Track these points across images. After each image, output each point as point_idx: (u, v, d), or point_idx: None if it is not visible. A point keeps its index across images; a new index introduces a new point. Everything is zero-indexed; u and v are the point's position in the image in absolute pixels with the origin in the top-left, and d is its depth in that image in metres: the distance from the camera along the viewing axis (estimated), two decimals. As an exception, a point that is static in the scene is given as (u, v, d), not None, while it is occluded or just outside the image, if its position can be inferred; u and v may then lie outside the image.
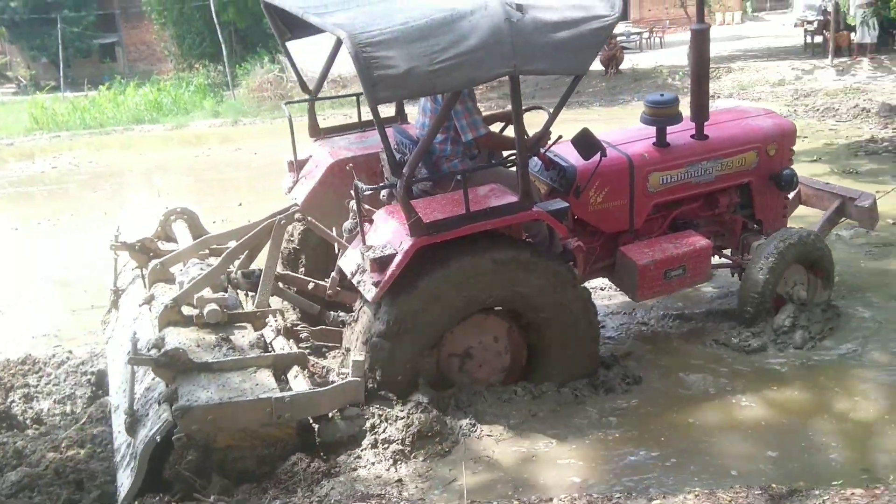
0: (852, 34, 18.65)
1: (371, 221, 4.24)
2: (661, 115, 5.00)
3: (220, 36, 21.53)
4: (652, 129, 5.11)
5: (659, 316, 5.66)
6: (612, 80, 19.45)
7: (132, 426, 3.69)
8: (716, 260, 5.41)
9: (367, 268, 3.98)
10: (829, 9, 18.61)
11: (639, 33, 30.15)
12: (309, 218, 4.80)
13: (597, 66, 22.53)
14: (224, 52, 21.79)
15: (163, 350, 3.85)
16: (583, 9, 3.96)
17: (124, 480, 3.64)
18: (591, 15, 3.94)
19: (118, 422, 3.97)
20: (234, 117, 18.50)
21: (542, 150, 4.59)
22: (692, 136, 5.21)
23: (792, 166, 5.48)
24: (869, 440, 4.00)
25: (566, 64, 4.01)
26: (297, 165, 5.27)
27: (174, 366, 3.81)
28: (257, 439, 3.73)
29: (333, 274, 4.86)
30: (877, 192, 5.94)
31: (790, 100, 14.65)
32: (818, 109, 13.34)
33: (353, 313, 4.34)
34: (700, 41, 5.14)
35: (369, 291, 3.96)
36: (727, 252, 5.63)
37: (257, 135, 16.16)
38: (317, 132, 5.42)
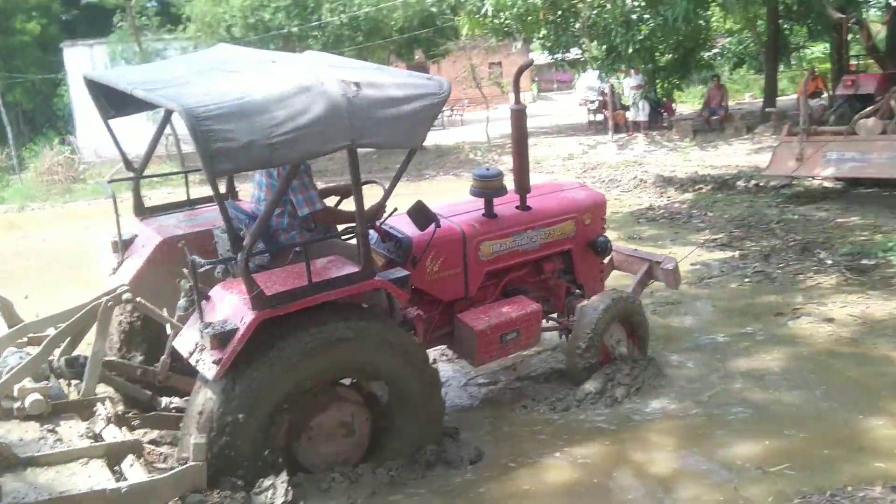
0: (628, 113, 20.71)
1: (208, 298, 4.08)
2: (488, 187, 5.26)
3: (4, 117, 20.11)
4: (480, 201, 5.38)
5: (494, 381, 5.82)
6: (417, 156, 20.12)
7: None
8: (544, 324, 5.70)
9: (206, 345, 3.82)
10: (607, 90, 20.59)
11: (440, 112, 31.36)
12: (139, 299, 4.52)
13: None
14: (10, 134, 20.34)
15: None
16: (415, 87, 4.16)
17: None
18: (422, 93, 4.13)
19: None
20: (21, 202, 17.20)
21: (378, 223, 4.68)
22: (517, 208, 5.52)
23: (605, 234, 5.97)
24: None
25: (401, 138, 4.15)
26: (122, 245, 5.04)
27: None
28: None
29: (164, 357, 4.57)
30: (676, 256, 6.49)
31: (579, 172, 15.87)
32: (604, 181, 14.57)
33: (191, 395, 4.09)
34: (519, 120, 5.47)
35: (209, 370, 3.79)
36: (554, 315, 5.95)
37: (47, 220, 15.12)
38: (142, 211, 5.24)
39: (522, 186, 5.46)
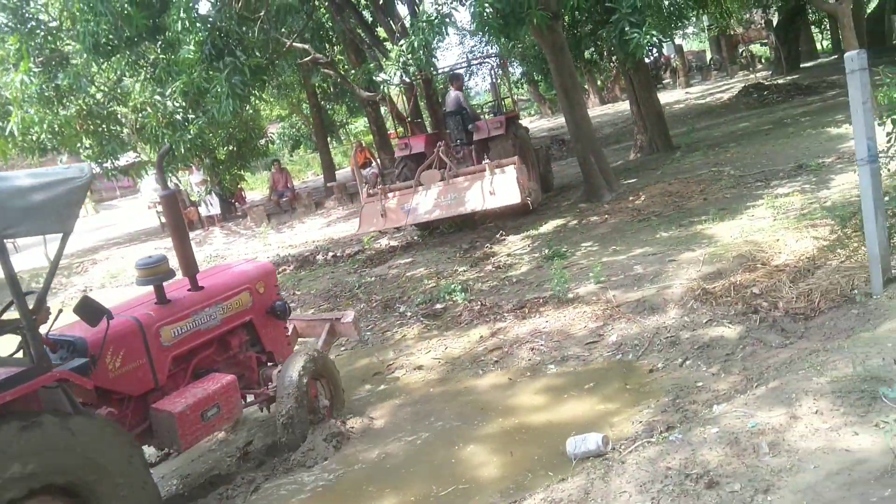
0: (200, 209, 20.52)
1: None
2: (155, 272, 5.22)
3: None
4: (149, 291, 5.31)
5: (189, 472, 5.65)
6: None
7: None
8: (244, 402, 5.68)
9: None
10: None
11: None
12: None
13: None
14: None
15: None
16: (55, 174, 4.18)
17: None
18: (64, 178, 4.15)
19: None
20: None
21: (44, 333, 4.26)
22: (189, 290, 5.53)
23: (281, 299, 6.16)
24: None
25: (51, 225, 4.08)
26: None
27: None
28: None
29: None
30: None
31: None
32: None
33: None
34: (171, 204, 5.60)
35: None
36: (252, 390, 5.90)
37: None
38: None
39: (189, 267, 5.50)
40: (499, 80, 16.32)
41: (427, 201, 11.84)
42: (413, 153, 13.19)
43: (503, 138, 12.82)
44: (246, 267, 6.23)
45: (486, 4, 9.23)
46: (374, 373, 7.15)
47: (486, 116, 14.17)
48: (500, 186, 11.35)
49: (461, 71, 15.37)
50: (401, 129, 17.12)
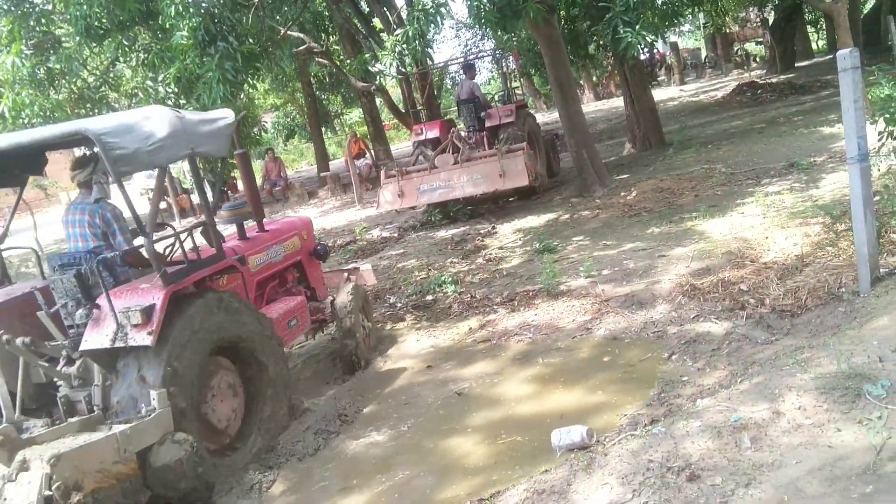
0: (192, 196, 20.46)
1: (97, 307, 4.80)
2: (238, 213, 6.52)
3: None
4: (231, 228, 6.62)
5: None
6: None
7: None
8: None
9: (132, 323, 4.61)
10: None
11: None
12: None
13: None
14: None
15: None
16: (215, 114, 5.66)
17: None
18: (221, 117, 5.64)
19: None
20: None
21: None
22: (258, 232, 6.73)
23: (321, 244, 7.45)
24: None
25: (218, 148, 5.56)
26: None
27: (9, 443, 4.10)
28: (113, 479, 4.12)
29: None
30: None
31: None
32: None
33: (122, 368, 4.78)
34: (245, 162, 6.81)
35: (144, 340, 4.59)
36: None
37: None
38: None
39: (259, 213, 6.69)
40: (508, 71, 17.14)
41: (441, 183, 12.60)
42: (428, 138, 13.96)
43: (513, 125, 13.53)
44: (293, 219, 7.64)
45: (484, -1, 9.21)
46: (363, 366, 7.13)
47: (496, 105, 14.80)
48: (510, 170, 12.03)
49: (473, 62, 16.03)
50: (395, 122, 17.30)
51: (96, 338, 4.75)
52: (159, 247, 5.39)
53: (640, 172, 13.64)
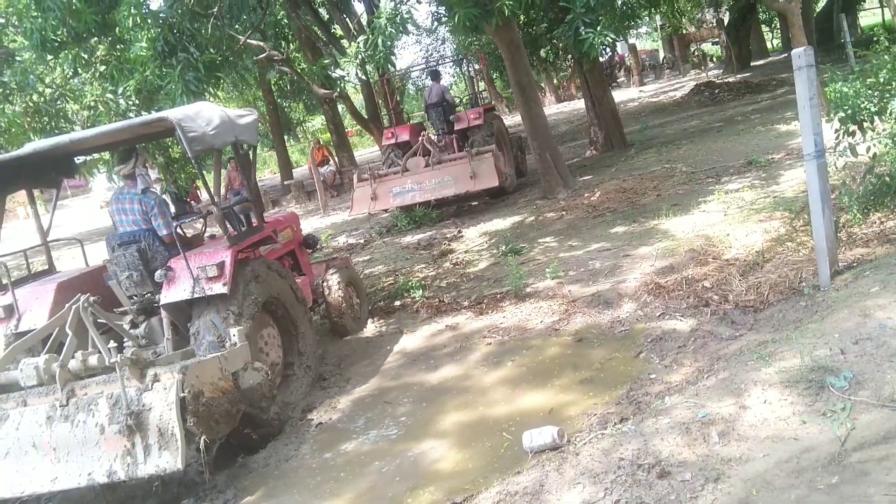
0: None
1: (171, 269, 5.74)
2: (243, 207, 6.93)
3: None
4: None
5: None
6: None
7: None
8: None
9: (208, 276, 5.56)
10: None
11: None
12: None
13: None
14: None
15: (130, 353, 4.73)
16: (242, 111, 6.78)
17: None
18: (248, 112, 6.80)
19: None
20: None
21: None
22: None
23: (309, 235, 8.28)
24: None
25: (250, 138, 6.63)
26: (8, 311, 5.99)
27: (140, 363, 4.74)
28: (220, 391, 4.86)
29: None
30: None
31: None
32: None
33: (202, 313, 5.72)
34: (247, 163, 7.20)
35: (221, 289, 5.55)
36: None
37: None
38: (1, 287, 6.21)
39: (259, 208, 7.15)
40: (475, 74, 17.44)
41: (412, 185, 12.84)
42: (399, 142, 14.16)
43: (482, 128, 13.85)
44: (284, 215, 8.57)
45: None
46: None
47: (461, 108, 15.11)
48: (480, 171, 12.33)
49: (437, 68, 16.48)
50: (358, 128, 17.40)
51: (175, 292, 5.70)
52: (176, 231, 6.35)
53: (603, 173, 13.78)
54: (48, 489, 4.75)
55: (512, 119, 23.90)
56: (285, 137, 29.94)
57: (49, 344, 5.45)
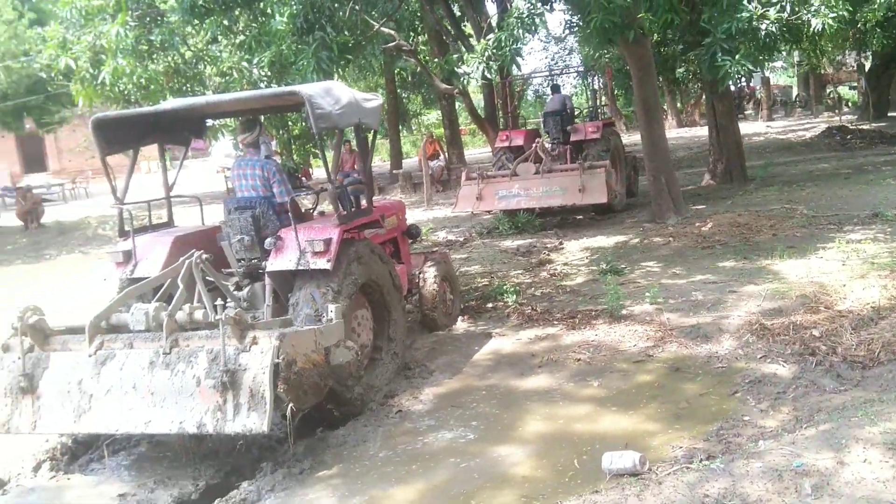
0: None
1: (280, 238, 5.90)
2: (356, 188, 7.23)
3: None
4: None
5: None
6: (34, 235, 18.13)
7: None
8: None
9: (314, 250, 5.70)
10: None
11: (60, 184, 28.73)
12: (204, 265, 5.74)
13: (15, 221, 20.84)
14: None
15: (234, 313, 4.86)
16: (368, 95, 6.97)
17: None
18: (374, 97, 6.96)
19: None
20: None
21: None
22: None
23: (412, 225, 8.36)
24: None
25: (373, 122, 6.79)
26: (126, 257, 6.31)
27: (242, 324, 4.85)
28: (311, 363, 4.95)
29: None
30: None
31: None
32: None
33: (301, 288, 5.88)
34: (364, 145, 7.04)
35: (324, 265, 5.69)
36: None
37: None
38: (124, 233, 6.50)
39: (370, 192, 7.16)
40: (600, 88, 17.30)
41: (519, 191, 12.82)
42: (512, 146, 14.17)
43: (598, 142, 13.64)
44: (392, 202, 8.94)
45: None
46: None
47: (580, 120, 15.03)
48: (590, 185, 12.20)
49: (558, 82, 17.06)
50: (472, 127, 17.54)
51: (281, 262, 5.86)
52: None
53: (717, 204, 13.39)
54: (140, 430, 4.96)
55: (629, 138, 23.47)
56: (400, 127, 30.42)
57: (160, 293, 5.70)
